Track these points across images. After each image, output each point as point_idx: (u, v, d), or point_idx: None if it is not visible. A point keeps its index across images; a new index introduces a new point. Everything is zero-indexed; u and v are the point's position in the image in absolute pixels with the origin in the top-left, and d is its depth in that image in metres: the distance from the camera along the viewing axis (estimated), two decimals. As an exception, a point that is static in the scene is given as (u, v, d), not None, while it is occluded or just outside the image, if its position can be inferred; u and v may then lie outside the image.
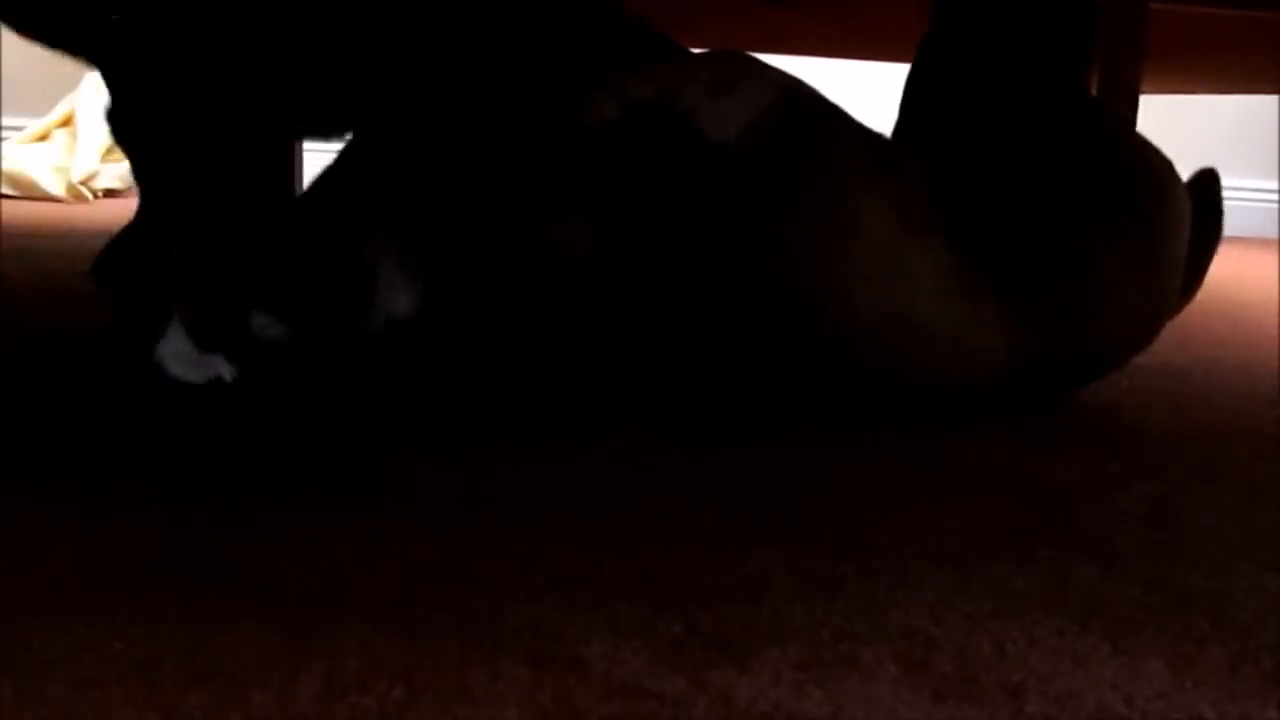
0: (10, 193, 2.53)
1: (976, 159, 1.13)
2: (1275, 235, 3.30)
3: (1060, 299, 1.07)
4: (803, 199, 1.02)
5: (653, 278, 1.02)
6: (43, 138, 2.70)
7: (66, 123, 2.70)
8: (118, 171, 2.68)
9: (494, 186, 1.04)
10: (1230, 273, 2.46)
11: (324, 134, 1.15)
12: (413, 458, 0.90)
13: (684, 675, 0.59)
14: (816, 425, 1.03)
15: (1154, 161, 1.15)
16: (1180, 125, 3.25)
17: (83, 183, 2.60)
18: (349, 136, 1.12)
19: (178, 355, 1.01)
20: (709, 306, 1.02)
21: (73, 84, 2.72)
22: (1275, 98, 3.10)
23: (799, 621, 0.65)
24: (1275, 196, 3.34)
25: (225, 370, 1.01)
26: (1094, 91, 1.40)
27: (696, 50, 1.15)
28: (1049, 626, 0.66)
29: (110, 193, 2.68)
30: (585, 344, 1.04)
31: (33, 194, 2.53)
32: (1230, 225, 3.54)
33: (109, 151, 2.68)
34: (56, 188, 2.56)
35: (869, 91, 2.49)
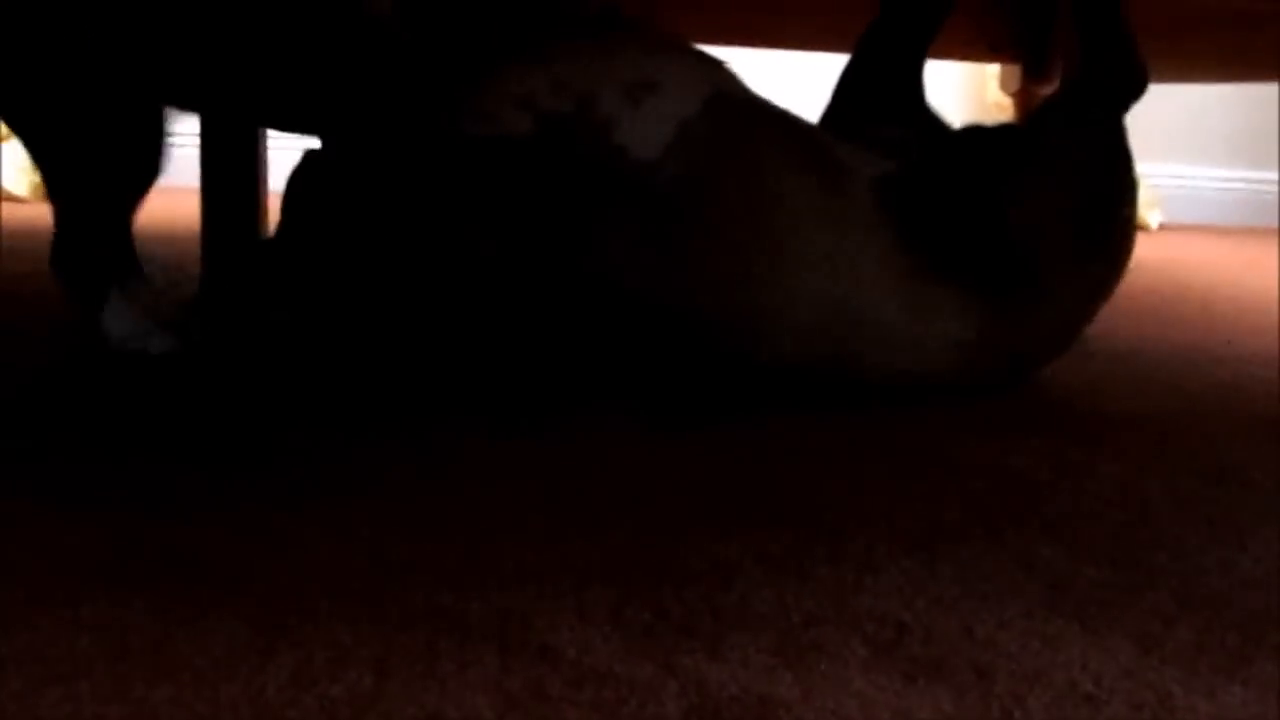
0: (-28, 194, 2.51)
1: (937, 158, 1.13)
2: (1276, 225, 3.32)
3: (1018, 299, 1.08)
4: (734, 216, 1.00)
5: (582, 296, 1.00)
6: (7, 138, 2.67)
7: (29, 123, 2.68)
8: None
9: (398, 198, 1.01)
10: (1206, 261, 2.48)
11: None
12: (379, 448, 0.89)
13: (654, 661, 0.59)
14: (781, 412, 1.03)
15: (1121, 175, 1.16)
16: (1157, 114, 3.27)
17: (46, 183, 2.58)
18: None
19: (123, 327, 1.05)
20: (643, 321, 1.01)
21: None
22: (1275, 87, 3.12)
23: (768, 607, 0.65)
24: (1275, 187, 3.35)
25: (159, 342, 1.05)
26: (1058, 79, 1.41)
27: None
28: (1017, 608, 0.66)
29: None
30: (528, 340, 1.03)
31: (-4, 195, 2.52)
32: (1232, 215, 3.54)
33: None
34: (20, 188, 2.54)
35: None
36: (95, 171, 1.08)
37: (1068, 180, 1.12)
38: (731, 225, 1.00)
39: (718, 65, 1.06)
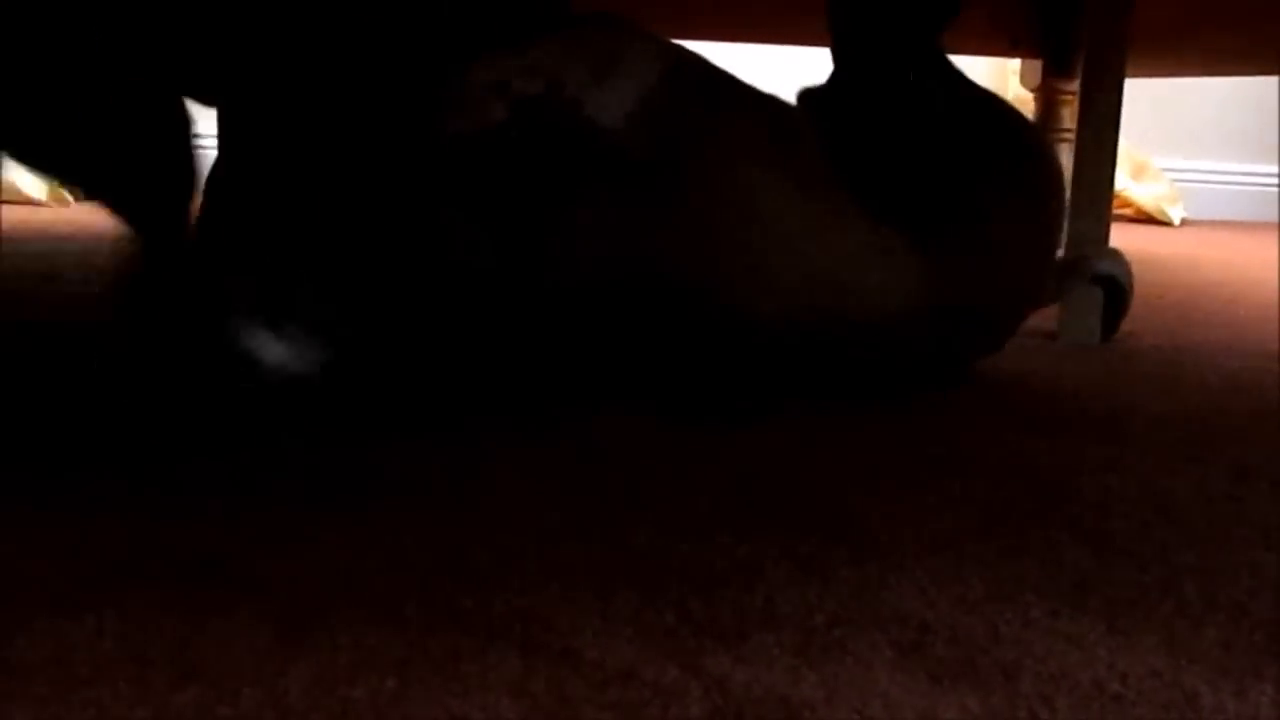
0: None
1: (875, 125, 1.17)
2: (1275, 219, 3.30)
3: (962, 245, 1.10)
4: (695, 178, 1.02)
5: (563, 276, 1.01)
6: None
7: (49, 126, 2.68)
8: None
9: (385, 204, 1.01)
10: (1229, 257, 2.47)
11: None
12: (399, 451, 0.89)
13: (677, 663, 0.58)
14: (801, 410, 1.03)
15: (1029, 129, 1.22)
16: (1180, 109, 3.26)
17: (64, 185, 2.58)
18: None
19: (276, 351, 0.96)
20: (623, 297, 1.01)
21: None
22: (1275, 80, 3.10)
23: (792, 607, 0.65)
24: (1276, 181, 3.34)
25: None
26: (1079, 74, 1.41)
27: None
28: (1043, 608, 0.66)
29: (95, 196, 2.66)
30: (532, 341, 1.04)
31: (14, 198, 2.52)
32: (1232, 210, 3.54)
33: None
34: (38, 191, 2.55)
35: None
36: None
37: (955, 117, 1.18)
38: (700, 187, 1.02)
39: (678, 46, 1.09)
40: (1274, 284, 2.02)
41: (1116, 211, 2.76)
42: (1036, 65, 1.84)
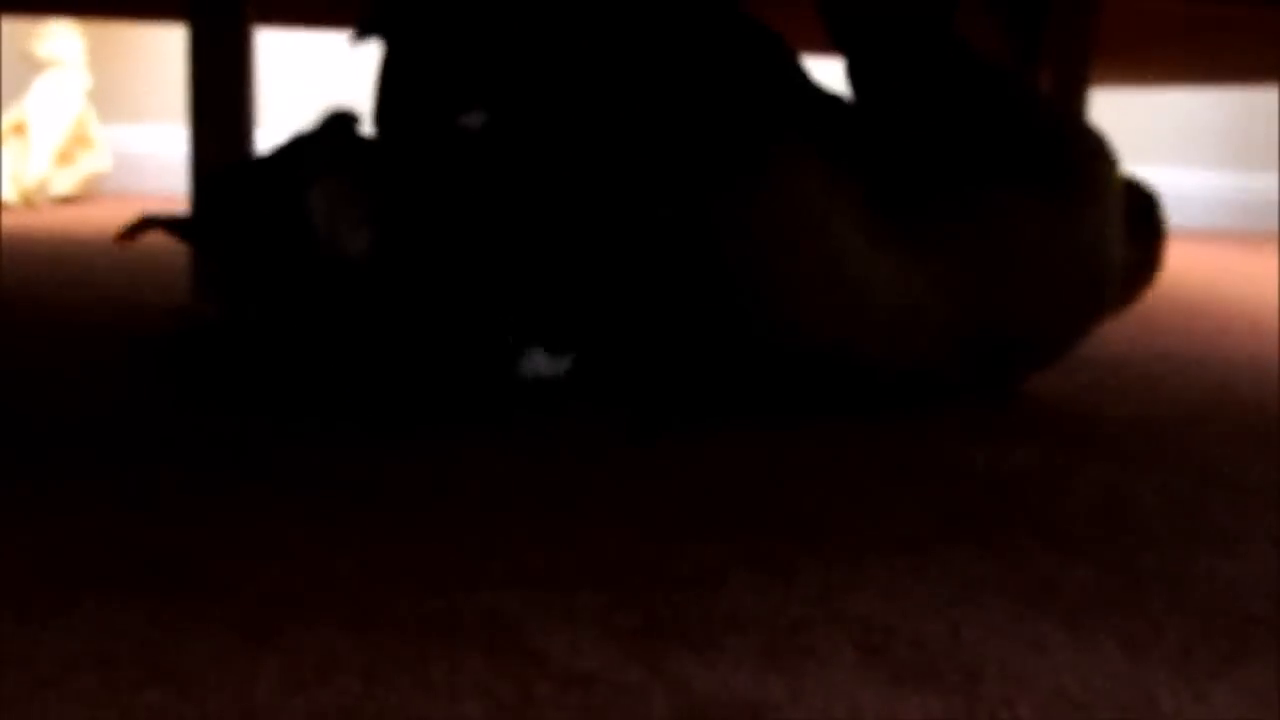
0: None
1: (887, 122, 1.16)
2: (1241, 228, 3.33)
3: (982, 258, 1.07)
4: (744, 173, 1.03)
5: (605, 250, 1.02)
6: (-5, 143, 2.67)
7: (18, 129, 2.68)
8: (71, 178, 2.67)
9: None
10: (1193, 266, 2.48)
11: None
12: (368, 453, 0.89)
13: (643, 665, 0.59)
14: (769, 415, 1.03)
15: (1077, 135, 1.15)
16: (1144, 117, 3.28)
17: (35, 189, 2.58)
18: None
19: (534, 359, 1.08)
20: (657, 283, 1.02)
21: (23, 89, 2.70)
22: (1265, 91, 3.13)
23: (757, 610, 0.65)
24: (1241, 190, 3.37)
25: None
26: (1043, 83, 1.42)
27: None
28: (1004, 611, 0.67)
29: (64, 199, 2.66)
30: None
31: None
32: (1196, 219, 3.56)
33: (62, 157, 2.66)
34: (8, 193, 2.54)
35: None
36: None
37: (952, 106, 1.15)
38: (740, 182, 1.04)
39: None
40: (1240, 293, 2.04)
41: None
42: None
